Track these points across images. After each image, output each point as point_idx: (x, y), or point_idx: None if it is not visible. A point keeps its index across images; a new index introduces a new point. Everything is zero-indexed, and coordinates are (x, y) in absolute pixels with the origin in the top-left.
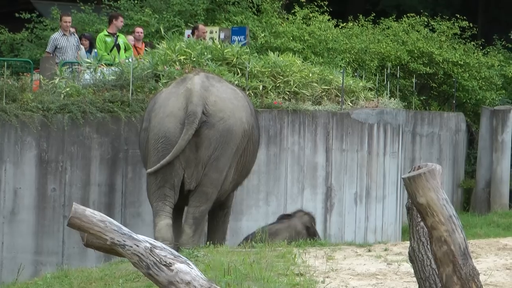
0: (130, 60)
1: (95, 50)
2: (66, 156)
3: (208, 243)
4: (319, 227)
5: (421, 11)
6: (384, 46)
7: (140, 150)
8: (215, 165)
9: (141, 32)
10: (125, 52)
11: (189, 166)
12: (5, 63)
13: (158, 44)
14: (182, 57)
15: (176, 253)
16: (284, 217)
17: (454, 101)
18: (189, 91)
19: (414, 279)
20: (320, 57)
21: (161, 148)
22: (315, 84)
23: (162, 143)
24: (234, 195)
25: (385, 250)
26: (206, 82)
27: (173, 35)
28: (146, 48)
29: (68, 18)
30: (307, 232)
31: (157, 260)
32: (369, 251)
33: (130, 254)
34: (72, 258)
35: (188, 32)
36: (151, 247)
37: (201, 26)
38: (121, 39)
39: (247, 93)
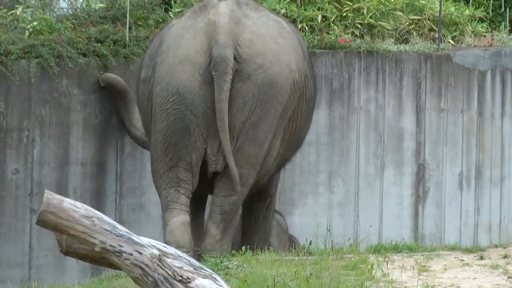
0: None
1: None
2: (33, 121)
3: (243, 248)
4: (407, 222)
5: None
6: None
7: (139, 111)
8: (253, 135)
9: None
10: None
11: (213, 136)
12: None
13: None
14: None
15: (197, 263)
16: None
17: None
18: (212, 25)
19: None
20: None
21: (171, 110)
22: (400, 13)
23: (173, 103)
24: (279, 177)
25: (505, 257)
26: (237, 12)
27: None
28: None
29: None
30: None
31: (169, 274)
32: (481, 258)
33: (130, 265)
34: (44, 272)
35: None
36: (160, 255)
37: None
38: None
39: (299, 26)
